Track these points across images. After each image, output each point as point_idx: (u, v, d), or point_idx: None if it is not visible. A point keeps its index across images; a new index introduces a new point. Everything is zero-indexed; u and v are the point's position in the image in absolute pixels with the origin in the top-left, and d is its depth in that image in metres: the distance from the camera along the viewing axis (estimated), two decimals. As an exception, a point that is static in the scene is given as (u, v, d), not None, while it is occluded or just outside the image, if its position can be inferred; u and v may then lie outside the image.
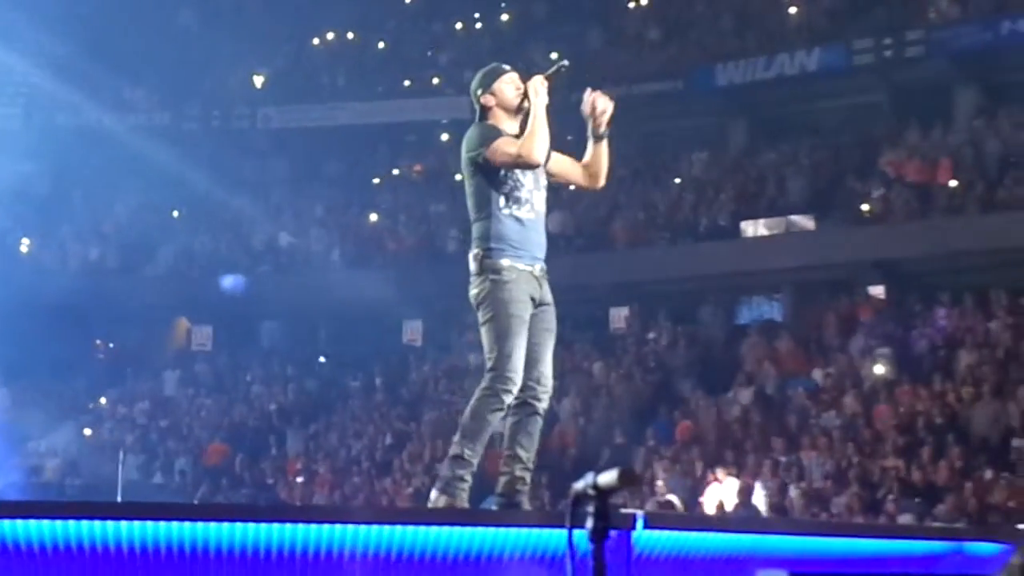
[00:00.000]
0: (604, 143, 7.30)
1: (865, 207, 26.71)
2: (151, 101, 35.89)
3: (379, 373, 29.39)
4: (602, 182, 7.41)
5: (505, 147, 6.90)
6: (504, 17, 36.03)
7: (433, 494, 7.19)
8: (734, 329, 27.93)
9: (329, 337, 32.58)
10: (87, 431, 29.22)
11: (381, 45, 36.71)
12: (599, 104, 7.21)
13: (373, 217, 33.17)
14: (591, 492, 2.56)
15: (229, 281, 31.74)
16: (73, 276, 31.70)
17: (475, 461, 6.95)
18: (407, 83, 35.13)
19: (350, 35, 37.24)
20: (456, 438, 7.06)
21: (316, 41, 37.27)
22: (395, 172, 35.14)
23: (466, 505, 6.97)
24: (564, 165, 7.34)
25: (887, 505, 18.08)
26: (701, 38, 32.82)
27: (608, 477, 2.57)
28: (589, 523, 2.56)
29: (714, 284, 27.87)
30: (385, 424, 26.98)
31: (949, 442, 19.15)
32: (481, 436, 6.90)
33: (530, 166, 6.94)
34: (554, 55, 31.15)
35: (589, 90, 7.22)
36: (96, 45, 34.10)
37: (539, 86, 7.00)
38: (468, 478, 6.94)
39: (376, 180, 34.98)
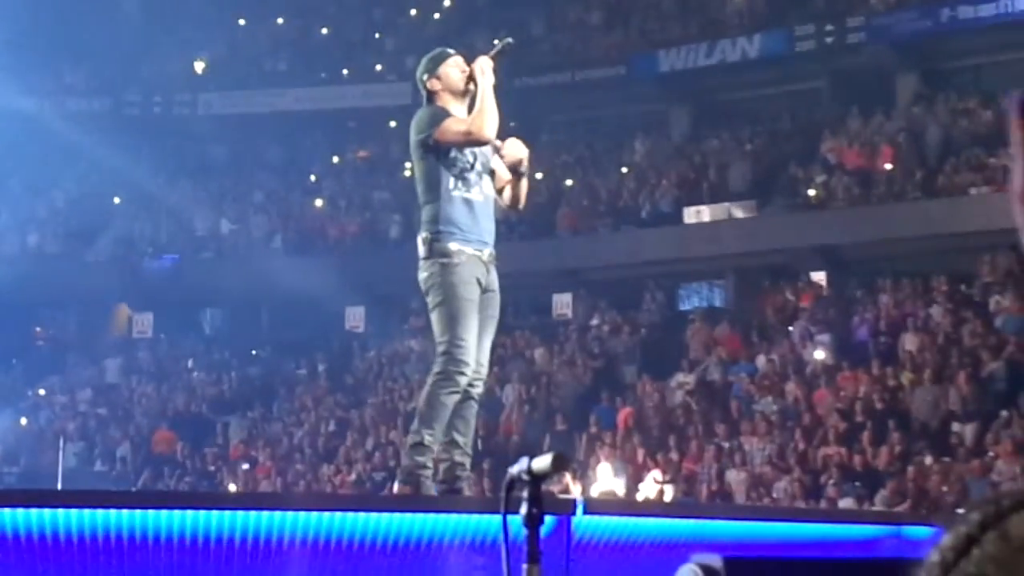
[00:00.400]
0: (523, 179, 7.17)
1: (807, 193, 26.84)
2: (91, 86, 35.58)
3: (322, 360, 29.32)
4: (521, 208, 7.28)
5: (455, 125, 6.88)
6: (446, 3, 35.94)
7: (396, 486, 7.15)
8: (676, 315, 28.01)
9: (271, 324, 32.48)
10: (24, 420, 28.98)
11: (323, 31, 36.56)
12: (516, 153, 7.08)
13: (316, 204, 33.05)
14: (525, 477, 2.56)
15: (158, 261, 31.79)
16: (11, 262, 31.37)
17: (436, 447, 6.90)
18: (348, 70, 35.04)
19: (291, 20, 37.05)
20: (414, 426, 7.02)
21: (258, 26, 37.03)
22: (335, 160, 35.04)
23: (432, 492, 6.90)
24: (500, 171, 7.24)
25: (828, 490, 18.21)
26: (643, 24, 32.89)
27: (542, 462, 2.57)
28: (523, 509, 2.56)
29: (657, 270, 27.93)
30: (327, 411, 26.90)
31: (890, 427, 19.28)
32: (440, 420, 6.87)
33: (480, 142, 6.92)
34: (496, 41, 31.18)
35: (501, 143, 7.13)
36: (35, 27, 33.82)
37: (485, 66, 6.99)
38: (430, 464, 6.89)
39: (317, 168, 34.89)
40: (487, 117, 6.85)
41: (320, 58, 35.68)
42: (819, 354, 22.61)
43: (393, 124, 31.14)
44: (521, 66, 30.82)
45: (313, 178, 34.60)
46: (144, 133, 34.43)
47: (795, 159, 28.10)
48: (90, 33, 34.77)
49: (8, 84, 32.92)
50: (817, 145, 27.92)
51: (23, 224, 33.71)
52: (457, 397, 6.90)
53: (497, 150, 7.12)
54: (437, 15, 35.65)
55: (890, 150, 26.51)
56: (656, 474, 19.19)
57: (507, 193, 7.22)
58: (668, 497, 18.59)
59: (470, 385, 6.96)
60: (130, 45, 35.27)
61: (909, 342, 21.81)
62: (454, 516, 6.19)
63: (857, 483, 18.25)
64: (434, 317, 6.92)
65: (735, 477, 19.42)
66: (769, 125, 30.12)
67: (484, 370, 7.08)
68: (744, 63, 30.06)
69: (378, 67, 34.64)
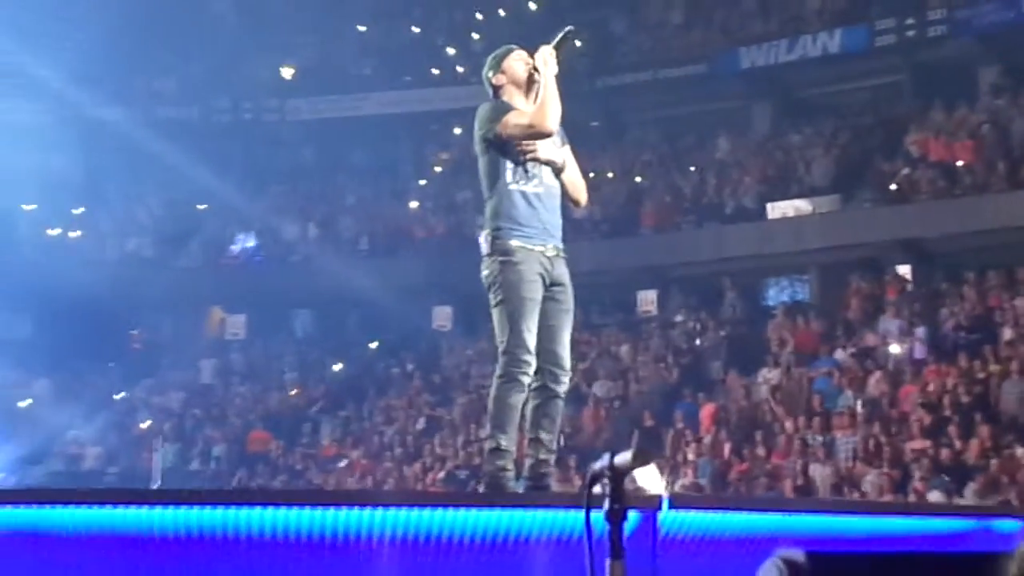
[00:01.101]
0: (564, 174, 6.97)
1: (891, 187, 26.59)
2: (181, 94, 35.95)
3: (410, 359, 29.44)
4: (583, 202, 7.14)
5: (516, 119, 6.78)
6: (531, 6, 35.93)
7: (480, 489, 7.11)
8: (761, 310, 27.87)
9: (360, 325, 32.60)
10: (124, 421, 29.36)
11: (407, 35, 36.70)
12: (546, 154, 6.91)
13: (407, 206, 33.19)
14: (607, 473, 2.55)
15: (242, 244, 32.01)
16: (111, 268, 31.79)
17: (512, 448, 6.81)
18: (432, 73, 35.14)
19: (376, 25, 37.21)
20: (487, 432, 6.98)
21: (343, 32, 37.24)
22: (421, 162, 35.20)
23: (518, 490, 6.83)
24: (569, 163, 7.10)
25: (916, 484, 18.01)
26: (724, 21, 32.75)
27: (623, 457, 2.56)
28: (606, 504, 2.55)
29: (741, 266, 27.77)
30: (416, 410, 27.01)
31: (977, 420, 19.05)
32: (511, 422, 6.77)
33: (543, 135, 6.77)
34: (579, 43, 31.18)
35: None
36: (125, 37, 34.20)
37: (547, 56, 6.85)
38: (511, 467, 6.81)
39: (402, 170, 35.05)
40: (549, 109, 6.73)
41: (404, 62, 35.81)
42: (905, 348, 22.40)
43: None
44: (603, 66, 30.83)
45: (400, 179, 34.73)
46: (233, 139, 34.73)
47: (878, 153, 27.91)
48: (179, 42, 35.14)
49: (100, 93, 33.40)
50: (900, 138, 27.69)
51: (122, 230, 34.08)
52: (523, 396, 6.79)
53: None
54: (520, 17, 35.65)
55: (973, 142, 26.23)
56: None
57: (568, 184, 7.06)
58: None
59: (555, 382, 6.86)
60: (218, 53, 35.58)
61: (996, 335, 21.55)
62: (539, 512, 6.19)
63: (946, 477, 18.03)
64: (495, 316, 6.80)
65: (820, 471, 19.26)
66: (852, 119, 29.90)
67: (567, 364, 6.94)
68: (825, 58, 29.87)
69: (460, 69, 34.71)
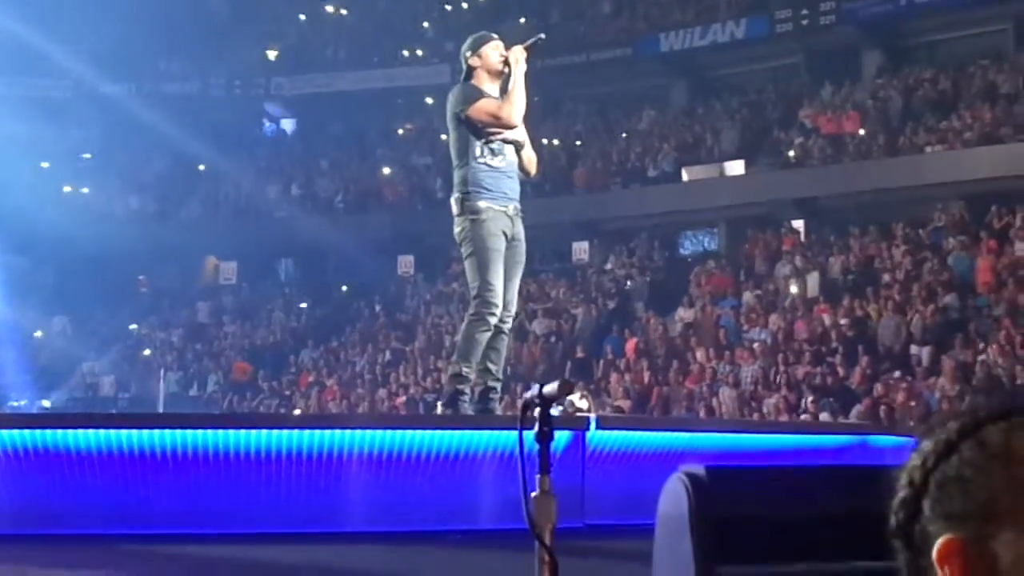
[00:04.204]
0: (523, 151, 6.97)
1: (787, 154, 26.66)
2: (183, 72, 35.66)
3: (379, 301, 29.41)
4: (532, 175, 7.15)
5: (486, 107, 6.75)
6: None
7: (439, 408, 7.14)
8: (677, 259, 27.97)
9: (336, 271, 32.53)
10: (134, 354, 29.24)
11: (375, 22, 36.43)
12: (514, 136, 6.90)
13: (378, 170, 33.00)
14: (537, 401, 2.57)
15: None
16: (118, 223, 31.53)
17: (472, 376, 6.87)
18: (397, 54, 34.92)
19: (349, 13, 36.89)
20: (453, 358, 7.03)
21: (320, 19, 36.93)
22: (387, 132, 35.08)
23: (469, 412, 6.88)
24: (527, 141, 7.12)
25: (808, 406, 18.18)
26: (647, 10, 32.60)
27: (551, 387, 2.58)
28: (536, 427, 2.57)
29: (661, 221, 27.85)
30: (384, 343, 27.01)
31: (860, 352, 19.23)
32: (475, 354, 6.84)
33: (508, 127, 6.79)
34: (523, 20, 31.18)
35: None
36: (137, 25, 33.83)
37: (519, 55, 6.83)
38: (467, 391, 6.87)
39: (372, 139, 34.90)
40: (515, 105, 6.73)
41: (373, 45, 35.56)
42: (799, 290, 22.57)
43: (431, 100, 31.11)
44: (541, 50, 30.67)
45: (368, 146, 34.59)
46: (226, 111, 34.42)
47: (777, 125, 27.99)
48: (181, 28, 34.84)
49: (114, 72, 33.13)
50: (796, 112, 27.77)
51: (127, 189, 33.82)
52: (489, 334, 6.85)
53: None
54: (471, 6, 35.46)
55: (858, 116, 26.34)
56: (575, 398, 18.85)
57: (520, 163, 7.09)
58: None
59: (501, 321, 6.91)
60: (215, 38, 35.35)
61: (876, 279, 21.74)
62: (486, 432, 6.23)
63: (833, 400, 18.20)
64: (467, 265, 6.88)
65: (728, 395, 19.42)
66: (754, 96, 29.90)
67: (513, 308, 7.02)
68: (732, 43, 29.83)
69: (420, 52, 34.53)
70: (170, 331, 30.42)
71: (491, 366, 6.94)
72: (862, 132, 25.90)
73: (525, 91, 6.82)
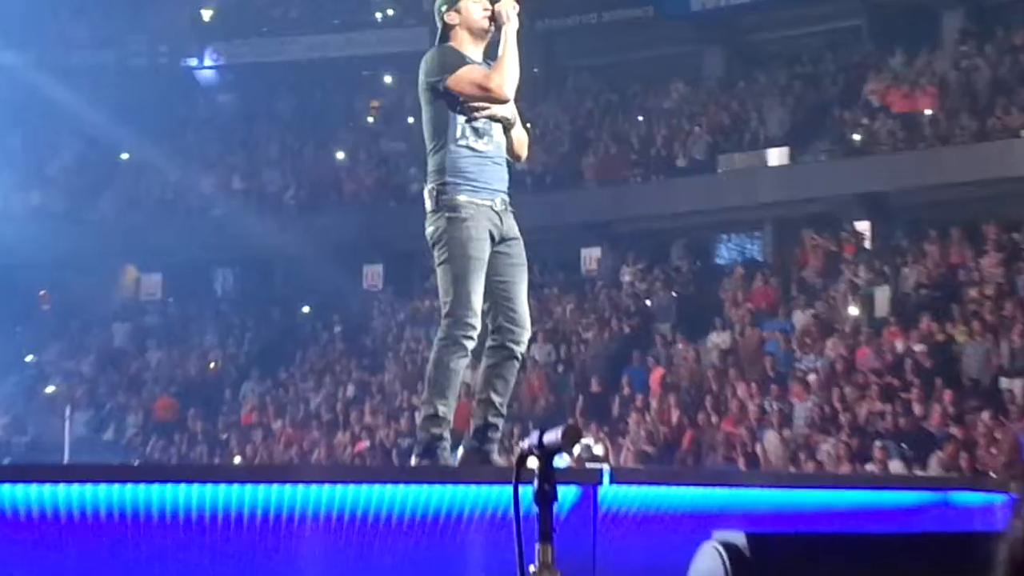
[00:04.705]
0: (513, 131, 6.94)
1: (849, 138, 26.69)
2: (94, 38, 35.64)
3: (338, 321, 29.39)
4: (524, 157, 7.09)
5: (471, 76, 6.70)
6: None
7: (413, 460, 7.03)
8: (712, 269, 28.01)
9: (285, 284, 32.54)
10: (33, 387, 29.18)
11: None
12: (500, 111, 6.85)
13: (333, 157, 33.10)
14: (536, 452, 2.55)
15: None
16: (15, 223, 31.57)
17: (450, 416, 6.81)
18: (361, 14, 34.99)
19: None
20: (424, 396, 6.94)
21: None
22: (349, 111, 35.14)
23: (451, 463, 6.85)
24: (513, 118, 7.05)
25: (875, 453, 18.14)
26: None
27: (553, 435, 2.56)
28: (534, 485, 2.55)
29: (691, 222, 27.88)
30: (345, 375, 26.98)
31: (939, 386, 19.19)
32: (451, 388, 6.77)
33: (500, 101, 6.73)
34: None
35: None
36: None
37: (510, 9, 6.76)
38: (447, 436, 6.81)
39: (330, 119, 34.97)
40: (507, 73, 6.68)
41: (332, 2, 35.61)
42: (863, 309, 22.58)
43: (404, 72, 31.12)
44: (543, 6, 30.67)
45: (328, 128, 34.63)
46: (150, 86, 34.45)
47: (836, 102, 28.04)
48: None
49: (7, 38, 33.07)
50: (859, 87, 27.80)
51: (26, 183, 33.85)
52: (465, 362, 6.78)
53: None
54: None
55: (936, 91, 26.37)
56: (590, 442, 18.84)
57: (508, 146, 7.04)
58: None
59: (513, 342, 6.84)
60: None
61: (959, 294, 21.74)
62: (473, 488, 6.20)
63: (905, 446, 18.17)
64: (439, 274, 6.79)
65: (775, 439, 19.39)
66: (808, 66, 29.92)
67: (526, 323, 6.93)
68: (780, 0, 29.93)
69: (391, 12, 34.58)
70: (79, 359, 30.37)
71: (494, 397, 6.89)
72: (942, 111, 25.92)
73: (519, 56, 6.76)
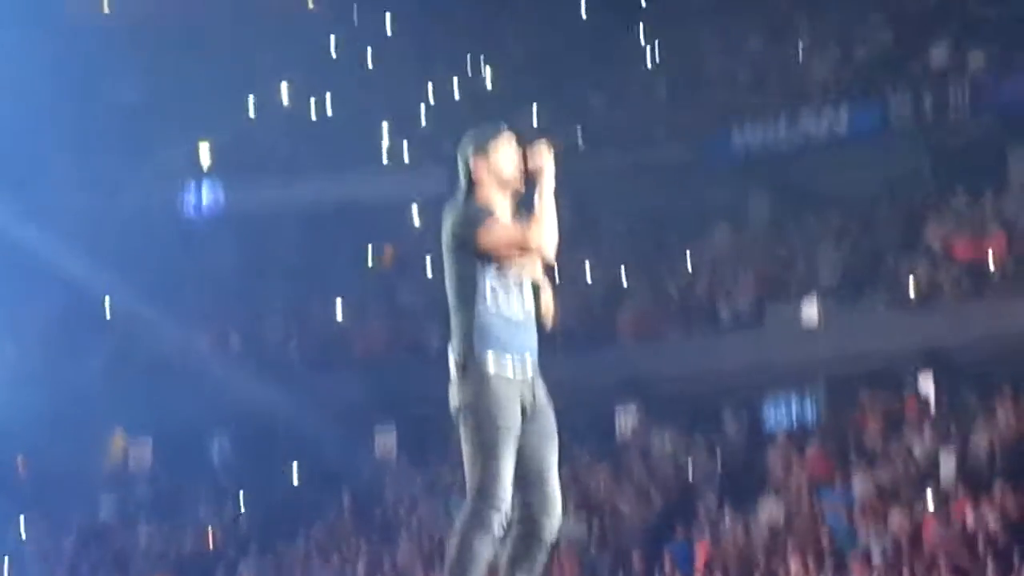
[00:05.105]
0: (543, 295, 6.88)
1: (908, 287, 26.80)
2: (81, 178, 35.99)
3: (348, 491, 29.27)
4: (550, 324, 6.96)
5: (504, 233, 6.63)
6: (487, 76, 36.17)
7: None
8: (760, 432, 27.90)
9: (288, 451, 32.43)
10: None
11: (344, 111, 36.90)
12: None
13: (337, 312, 33.20)
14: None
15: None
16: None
17: None
18: (375, 155, 35.32)
19: (304, 100, 37.39)
20: (444, 578, 6.91)
21: (268, 107, 37.43)
22: (360, 259, 35.32)
23: None
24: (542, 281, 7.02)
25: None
26: (714, 97, 32.97)
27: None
28: None
29: (736, 381, 27.87)
30: (354, 552, 26.83)
31: (1017, 562, 19.05)
32: (474, 572, 6.60)
33: (540, 261, 6.72)
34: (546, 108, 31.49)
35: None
36: (17, 116, 34.26)
37: (547, 160, 6.70)
38: None
39: (338, 269, 35.14)
40: (546, 230, 6.60)
41: (341, 143, 35.94)
42: (930, 476, 22.47)
43: (422, 217, 31.39)
44: (574, 146, 30.97)
45: (334, 281, 34.78)
46: (142, 232, 34.64)
47: (894, 248, 28.19)
48: (78, 122, 35.28)
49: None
50: (919, 231, 27.99)
51: (2, 337, 34.01)
52: (492, 544, 6.65)
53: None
54: (476, 92, 35.87)
55: (1004, 235, 26.46)
56: None
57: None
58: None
59: (540, 525, 6.73)
60: (125, 132, 35.78)
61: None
62: None
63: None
64: (465, 446, 6.66)
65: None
66: (863, 209, 30.12)
67: (557, 502, 6.78)
68: (832, 140, 30.08)
69: (408, 152, 34.91)
70: (59, 535, 30.21)
71: (519, 585, 6.80)
72: (1010, 257, 25.97)
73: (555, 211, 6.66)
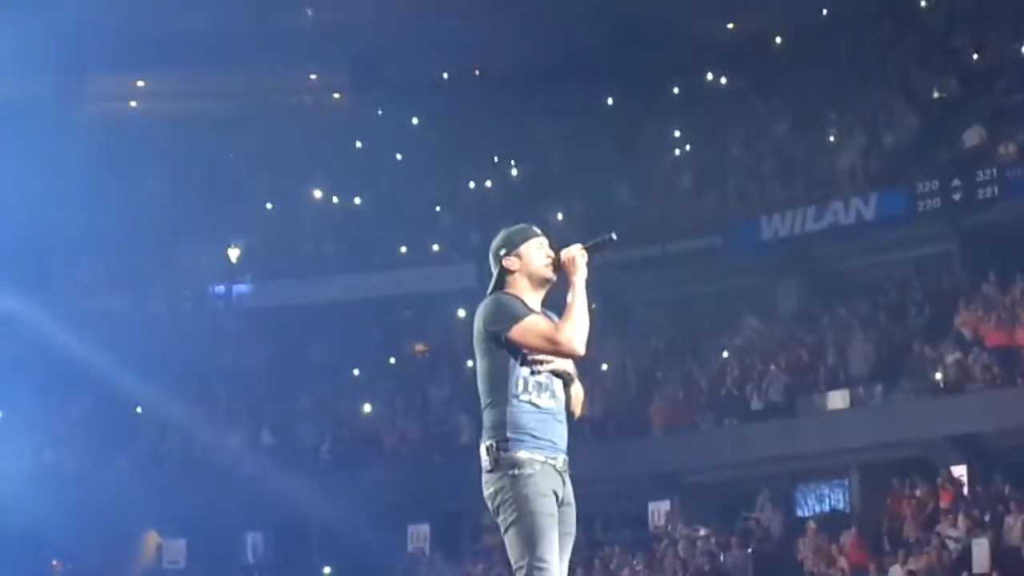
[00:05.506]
0: (572, 386, 7.03)
1: (939, 375, 26.88)
2: (110, 281, 36.45)
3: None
4: (579, 414, 7.15)
5: (539, 328, 6.80)
6: (513, 172, 36.48)
7: None
8: (793, 522, 27.99)
9: (323, 547, 32.46)
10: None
11: (373, 208, 37.19)
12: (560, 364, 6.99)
13: (367, 407, 33.63)
14: None
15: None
16: (26, 483, 31.73)
17: None
18: (404, 250, 35.71)
19: (334, 197, 37.74)
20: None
21: (297, 205, 37.71)
22: (391, 356, 35.48)
23: None
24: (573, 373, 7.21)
25: None
26: (741, 186, 33.36)
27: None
28: None
29: (768, 470, 28.08)
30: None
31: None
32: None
33: (570, 355, 6.87)
34: (571, 205, 31.46)
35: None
36: (42, 218, 34.68)
37: (578, 257, 6.87)
38: None
39: (369, 365, 35.29)
40: (578, 327, 6.77)
41: (370, 238, 36.37)
42: (964, 565, 22.59)
43: (452, 311, 31.57)
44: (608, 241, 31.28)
45: (364, 377, 34.91)
46: (172, 333, 34.93)
47: (924, 335, 28.22)
48: (104, 223, 35.64)
49: (13, 283, 33.43)
50: (950, 318, 28.01)
51: (36, 441, 34.23)
52: None
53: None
54: (504, 186, 36.19)
55: (1034, 321, 26.62)
56: None
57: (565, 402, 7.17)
58: None
59: None
60: (154, 232, 36.20)
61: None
62: None
63: None
64: (509, 538, 6.80)
65: None
66: (892, 296, 30.26)
67: None
68: (860, 226, 30.34)
69: (436, 247, 35.24)
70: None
71: None
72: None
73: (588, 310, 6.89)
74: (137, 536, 33.57)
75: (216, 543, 32.76)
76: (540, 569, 6.68)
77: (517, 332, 6.81)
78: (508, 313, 6.83)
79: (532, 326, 6.80)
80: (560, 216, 32.60)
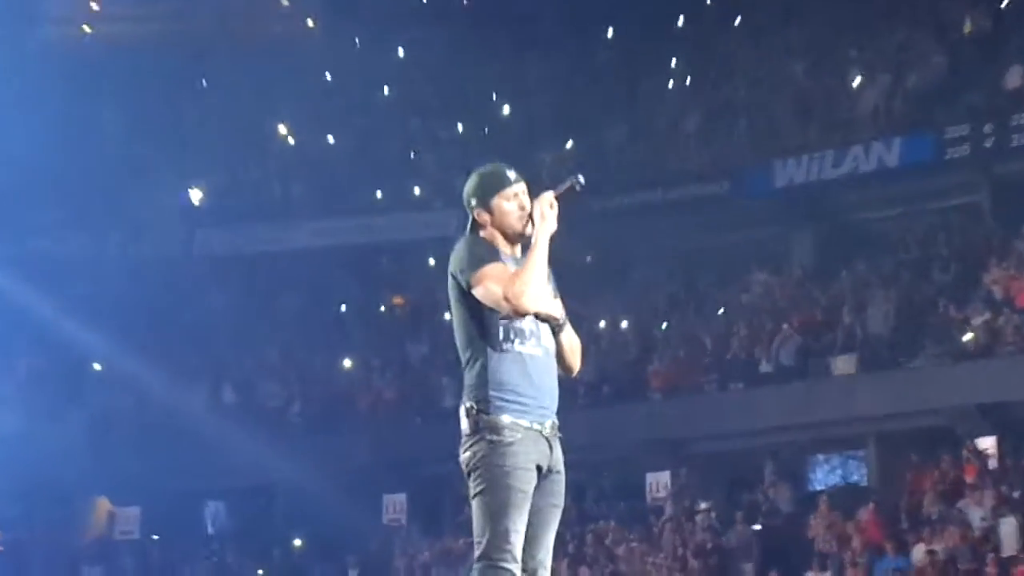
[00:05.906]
0: (563, 334, 6.90)
1: (966, 337, 26.82)
2: (67, 225, 36.27)
3: (354, 562, 29.37)
4: (576, 368, 7.03)
5: (493, 280, 6.58)
6: (503, 110, 36.24)
7: None
8: (804, 496, 28.01)
9: (289, 517, 32.52)
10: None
11: (348, 148, 37.04)
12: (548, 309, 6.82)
13: (340, 365, 33.43)
14: None
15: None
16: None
17: None
18: (380, 195, 35.50)
19: (306, 136, 37.49)
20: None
21: (265, 146, 37.55)
22: (366, 308, 35.39)
23: None
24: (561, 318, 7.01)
25: None
26: (752, 129, 33.15)
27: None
28: None
29: (777, 439, 28.06)
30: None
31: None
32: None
33: (516, 313, 6.61)
34: (570, 144, 31.45)
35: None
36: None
37: (547, 208, 6.70)
38: None
39: (342, 319, 35.21)
40: (530, 283, 6.56)
41: (345, 182, 36.13)
42: (991, 542, 22.52)
43: (433, 261, 31.44)
44: (599, 184, 31.15)
45: (337, 332, 34.85)
46: (128, 282, 34.71)
47: (950, 294, 28.18)
48: (59, 158, 35.41)
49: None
50: (979, 276, 28.00)
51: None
52: None
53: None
54: (493, 123, 35.97)
55: (1071, 279, 26.56)
56: None
57: (558, 352, 6.97)
58: None
59: None
60: (110, 170, 35.97)
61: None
62: None
63: None
64: (475, 508, 6.68)
65: None
66: (916, 251, 30.29)
67: (548, 572, 6.87)
68: (882, 174, 30.19)
69: (417, 190, 35.04)
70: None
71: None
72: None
73: (547, 258, 6.67)
74: (86, 503, 33.51)
75: (173, 511, 32.74)
76: (500, 548, 6.60)
77: (474, 278, 6.64)
78: (471, 259, 6.70)
79: (487, 275, 6.64)
80: (549, 160, 32.27)
